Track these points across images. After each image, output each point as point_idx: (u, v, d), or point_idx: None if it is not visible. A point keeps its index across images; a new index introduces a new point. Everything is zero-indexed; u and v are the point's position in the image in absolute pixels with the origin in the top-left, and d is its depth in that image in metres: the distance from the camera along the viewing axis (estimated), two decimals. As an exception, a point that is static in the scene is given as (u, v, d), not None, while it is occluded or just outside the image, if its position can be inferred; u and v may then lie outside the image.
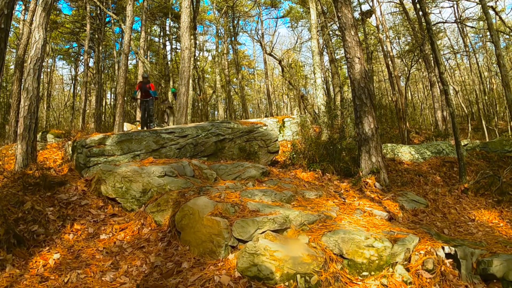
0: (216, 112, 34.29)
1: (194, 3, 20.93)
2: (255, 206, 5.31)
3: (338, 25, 10.02)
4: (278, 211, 5.12)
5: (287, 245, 4.40)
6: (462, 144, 12.52)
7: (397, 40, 31.82)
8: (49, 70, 32.32)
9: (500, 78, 13.45)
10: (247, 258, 4.23)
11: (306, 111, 18.58)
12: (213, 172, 7.27)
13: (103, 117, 29.42)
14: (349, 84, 9.53)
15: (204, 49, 37.15)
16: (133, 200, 6.27)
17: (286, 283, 4.03)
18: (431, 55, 18.58)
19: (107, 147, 7.90)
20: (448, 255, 4.56)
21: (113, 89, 33.57)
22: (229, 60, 33.71)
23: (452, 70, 34.41)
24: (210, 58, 37.23)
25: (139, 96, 14.08)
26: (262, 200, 5.76)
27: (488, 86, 29.36)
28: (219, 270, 4.32)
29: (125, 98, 13.68)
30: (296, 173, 8.68)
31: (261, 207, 5.29)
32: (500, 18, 22.08)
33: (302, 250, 4.34)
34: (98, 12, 27.82)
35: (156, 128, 11.84)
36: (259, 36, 33.01)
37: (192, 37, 17.89)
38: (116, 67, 26.67)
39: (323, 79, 19.38)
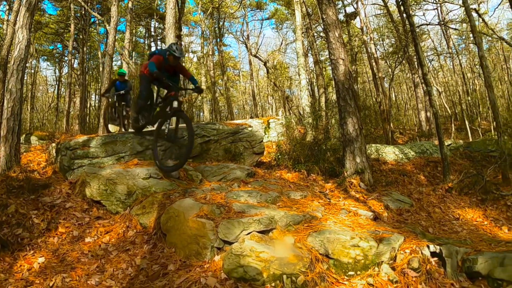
0: (201, 114, 34.22)
1: (179, 4, 20.87)
2: (241, 207, 5.31)
3: (322, 26, 10.05)
4: (263, 212, 5.12)
5: (273, 246, 4.42)
6: (446, 144, 12.61)
7: (381, 42, 32.09)
8: (33, 71, 32.07)
9: (483, 79, 13.60)
10: (233, 259, 4.23)
11: (291, 112, 18.64)
12: (198, 174, 7.25)
13: (87, 119, 29.18)
14: (334, 85, 9.57)
15: (190, 51, 37.06)
16: (118, 202, 6.23)
17: (273, 284, 4.03)
18: (415, 57, 18.76)
19: (91, 149, 7.83)
20: (433, 254, 4.60)
21: (97, 91, 33.27)
22: (214, 61, 33.67)
23: (435, 72, 34.73)
24: (195, 59, 37.14)
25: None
26: (247, 201, 5.76)
27: (471, 87, 29.66)
28: (205, 272, 4.32)
29: (110, 100, 13.35)
30: (281, 174, 8.70)
31: (246, 208, 5.29)
32: (483, 20, 22.28)
33: (288, 251, 4.35)
34: (83, 12, 27.63)
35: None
36: (244, 38, 33.07)
37: (177, 38, 17.81)
38: (101, 68, 26.51)
39: (307, 80, 19.44)
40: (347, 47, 25.17)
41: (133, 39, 30.49)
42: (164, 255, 4.83)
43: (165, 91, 8.10)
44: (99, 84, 28.81)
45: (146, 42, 35.79)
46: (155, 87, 8.48)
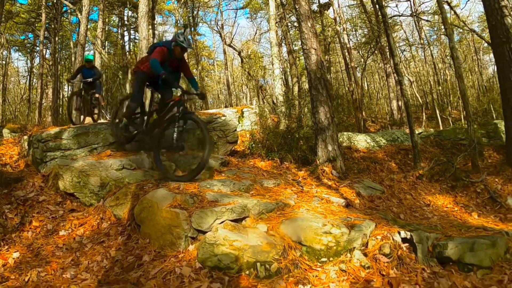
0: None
1: (153, -7, 20.66)
2: (214, 197, 5.32)
3: (295, 16, 10.08)
4: (236, 201, 5.14)
5: (246, 234, 4.46)
6: (417, 132, 12.78)
7: (354, 33, 32.33)
8: (4, 62, 31.36)
9: (454, 69, 13.82)
10: (207, 248, 4.25)
11: (264, 101, 18.68)
12: (172, 164, 7.22)
13: (60, 110, 28.76)
14: (306, 75, 9.62)
15: (164, 40, 36.71)
16: (91, 194, 6.19)
17: (247, 272, 4.07)
18: (387, 47, 18.94)
19: (63, 141, 7.73)
20: (404, 240, 4.70)
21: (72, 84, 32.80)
22: (188, 51, 33.39)
23: (407, 62, 35.30)
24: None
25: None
26: (220, 190, 5.78)
27: (442, 77, 30.19)
28: (180, 261, 4.33)
29: (76, 87, 13.08)
30: (254, 163, 8.73)
31: (219, 197, 5.31)
32: (455, 12, 22.65)
33: (261, 239, 4.40)
34: (55, 1, 27.03)
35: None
36: (219, 27, 32.91)
37: (150, 27, 17.64)
38: (73, 59, 26.06)
39: (281, 69, 19.50)
40: (321, 37, 25.30)
41: (106, 28, 30.08)
42: (139, 246, 4.82)
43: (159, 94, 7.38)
44: (71, 75, 28.40)
45: (119, 31, 35.31)
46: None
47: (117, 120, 7.86)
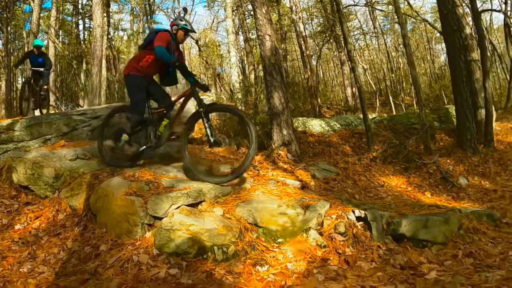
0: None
1: (108, -21, 20.27)
2: (170, 182, 5.31)
3: (251, 3, 10.08)
4: (192, 186, 5.15)
5: (202, 218, 4.46)
6: (371, 117, 13.03)
7: (310, 22, 32.60)
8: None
9: (406, 57, 14.14)
10: (164, 234, 4.25)
11: (222, 89, 18.64)
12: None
13: (14, 103, 27.96)
14: (261, 61, 9.67)
15: (120, 28, 36.03)
16: (46, 186, 6.06)
17: (205, 256, 4.11)
18: (342, 36, 19.24)
19: (16, 133, 7.55)
20: (358, 218, 4.82)
21: (24, 73, 31.90)
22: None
23: (361, 50, 35.86)
24: (126, 37, 36.22)
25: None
26: (176, 176, 5.76)
27: (395, 65, 30.86)
28: (137, 249, 4.31)
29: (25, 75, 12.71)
30: (212, 149, 8.71)
31: (175, 183, 5.30)
32: (408, 3, 23.19)
33: (218, 222, 4.42)
34: (6, -11, 26.24)
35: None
36: (175, 15, 32.48)
37: (105, 14, 17.33)
38: (26, 49, 25.34)
39: (238, 58, 19.52)
40: (277, 26, 25.39)
41: (60, 17, 29.28)
42: (96, 236, 4.77)
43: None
44: (25, 66, 27.61)
45: (73, 20, 34.37)
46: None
47: (107, 141, 6.75)
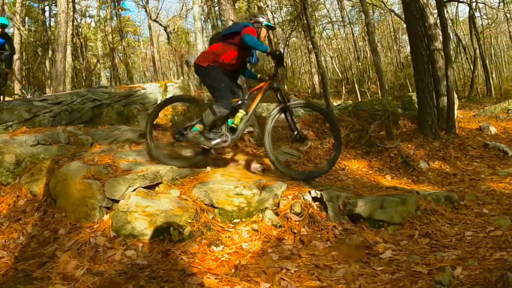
0: (101, 82, 33.00)
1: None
2: (128, 166, 5.30)
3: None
4: (149, 168, 5.17)
5: (158, 200, 4.49)
6: (336, 104, 13.23)
7: (279, 10, 32.70)
8: None
9: (369, 44, 14.34)
10: (121, 216, 4.26)
11: (190, 76, 18.55)
12: (88, 138, 7.06)
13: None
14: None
15: (87, 15, 35.41)
16: (7, 173, 5.97)
17: (161, 237, 4.14)
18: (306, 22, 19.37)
19: (-25, 120, 7.49)
20: (315, 199, 4.90)
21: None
22: (113, 26, 32.52)
23: (329, 39, 36.09)
24: (93, 25, 35.66)
25: None
26: (135, 160, 5.72)
27: (362, 54, 31.17)
28: (95, 232, 4.33)
29: None
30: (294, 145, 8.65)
31: (133, 166, 5.29)
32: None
33: (173, 203, 4.45)
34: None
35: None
36: (144, 2, 32.05)
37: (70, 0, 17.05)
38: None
39: (206, 44, 19.41)
40: (246, 14, 25.35)
41: (26, 3, 28.59)
42: (55, 220, 4.75)
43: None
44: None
45: (40, 6, 33.58)
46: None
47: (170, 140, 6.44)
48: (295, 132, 5.74)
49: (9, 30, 11.69)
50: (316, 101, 15.20)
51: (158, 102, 10.19)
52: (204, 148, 5.88)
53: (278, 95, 5.77)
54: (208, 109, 5.74)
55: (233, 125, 5.81)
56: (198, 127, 5.83)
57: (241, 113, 5.77)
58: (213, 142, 5.74)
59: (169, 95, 12.74)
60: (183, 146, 6.54)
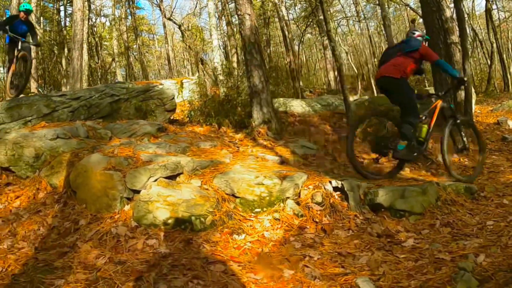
0: (116, 80, 33.18)
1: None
2: (148, 157, 5.32)
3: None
4: (170, 159, 5.17)
5: (179, 190, 4.50)
6: (352, 99, 13.15)
7: (293, 7, 32.60)
8: None
9: (386, 37, 14.28)
10: (142, 206, 4.29)
11: (205, 73, 18.65)
12: (107, 132, 7.10)
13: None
14: (241, 40, 9.70)
15: (101, 14, 35.60)
16: (27, 166, 6.02)
17: (182, 226, 4.16)
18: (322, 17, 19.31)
19: (-5, 115, 7.55)
20: (335, 188, 4.90)
21: (5, 63, 31.34)
22: (128, 25, 32.68)
23: (344, 35, 35.92)
24: (108, 24, 35.84)
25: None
26: (156, 152, 5.76)
27: (377, 49, 30.95)
28: (116, 222, 4.34)
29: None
30: (193, 128, 8.72)
31: (154, 157, 5.30)
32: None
33: (195, 193, 4.46)
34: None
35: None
36: (158, 1, 32.16)
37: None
38: (6, 36, 24.87)
39: (221, 41, 19.54)
40: (260, 11, 25.35)
41: (41, 4, 28.81)
42: (75, 211, 4.77)
43: None
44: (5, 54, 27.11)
45: (55, 6, 33.80)
46: None
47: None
48: (461, 145, 6.39)
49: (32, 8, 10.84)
50: (331, 96, 15.06)
51: (177, 99, 10.26)
52: (402, 161, 6.20)
53: (450, 112, 6.21)
54: (407, 123, 5.94)
55: (420, 138, 6.07)
56: (403, 143, 5.96)
57: (425, 127, 6.09)
58: (414, 155, 6.08)
59: (185, 92, 12.82)
60: (201, 140, 6.58)
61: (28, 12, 9.41)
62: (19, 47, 9.21)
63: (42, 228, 4.56)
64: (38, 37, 10.67)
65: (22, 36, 9.36)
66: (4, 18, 9.98)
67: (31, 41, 9.60)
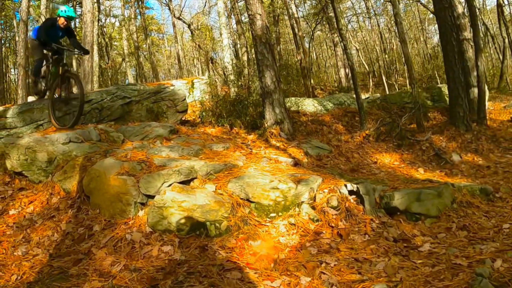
0: (127, 80, 33.28)
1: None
2: (162, 161, 5.30)
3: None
4: (183, 163, 5.15)
5: (194, 195, 4.47)
6: (364, 97, 13.12)
7: (303, 4, 32.49)
8: None
9: (397, 34, 14.19)
10: (156, 212, 4.27)
11: (215, 73, 18.63)
12: (120, 134, 7.10)
13: (7, 95, 27.74)
14: (252, 40, 9.67)
15: (111, 15, 35.71)
16: (39, 171, 6.02)
17: (197, 232, 4.13)
18: (333, 15, 19.23)
19: (8, 120, 7.54)
20: (351, 192, 4.88)
21: (16, 64, 31.50)
22: (137, 25, 32.76)
23: (354, 32, 35.82)
24: (117, 24, 35.96)
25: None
26: (169, 155, 5.75)
27: (388, 46, 30.83)
28: (130, 228, 4.34)
29: (27, 69, 12.27)
30: (204, 130, 8.70)
31: (167, 162, 5.29)
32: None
33: (209, 198, 4.43)
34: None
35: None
36: (167, 0, 32.18)
37: (95, 0, 17.17)
38: (17, 38, 24.97)
39: (231, 40, 19.49)
40: (269, 8, 25.28)
41: (51, 6, 28.96)
42: (89, 217, 4.78)
43: None
44: (17, 57, 27.24)
45: (64, 7, 33.89)
46: None
47: None
48: None
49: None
50: (343, 94, 15.02)
51: (188, 99, 10.25)
52: None
53: None
54: None
55: None
56: None
57: None
58: None
59: (196, 92, 12.80)
60: (213, 142, 6.55)
61: (69, 19, 8.15)
62: (63, 61, 7.72)
63: (56, 234, 4.56)
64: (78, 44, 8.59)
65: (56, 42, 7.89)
66: (41, 26, 8.01)
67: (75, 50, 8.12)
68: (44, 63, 8.18)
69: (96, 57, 16.67)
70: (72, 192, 5.41)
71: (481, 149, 8.84)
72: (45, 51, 8.06)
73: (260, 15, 8.74)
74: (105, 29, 31.96)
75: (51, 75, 7.95)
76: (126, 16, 30.23)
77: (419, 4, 28.84)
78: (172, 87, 9.73)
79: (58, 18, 8.00)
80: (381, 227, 4.37)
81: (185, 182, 4.89)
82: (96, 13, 19.76)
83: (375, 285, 3.16)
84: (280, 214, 4.56)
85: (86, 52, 8.35)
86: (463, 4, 12.22)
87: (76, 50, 8.04)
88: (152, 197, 4.63)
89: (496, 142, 9.21)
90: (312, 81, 20.85)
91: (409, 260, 3.64)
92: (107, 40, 31.16)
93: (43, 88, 8.25)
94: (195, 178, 4.99)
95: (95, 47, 16.76)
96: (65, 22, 7.99)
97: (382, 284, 3.17)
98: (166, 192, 4.52)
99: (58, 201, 5.37)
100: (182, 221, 4.15)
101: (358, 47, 29.16)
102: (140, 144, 6.47)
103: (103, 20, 30.81)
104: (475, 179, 6.99)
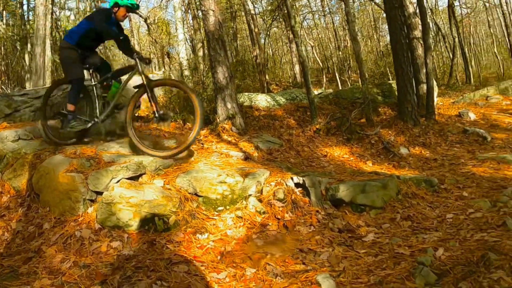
0: (82, 75, 32.47)
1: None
2: (111, 158, 5.28)
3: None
4: (132, 159, 5.15)
5: (142, 190, 4.49)
6: (317, 92, 13.33)
7: (260, 1, 32.65)
8: None
9: (349, 32, 14.47)
10: (105, 208, 4.27)
11: (171, 67, 18.49)
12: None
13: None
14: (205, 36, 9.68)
15: (66, 8, 34.82)
16: (-11, 170, 5.96)
17: (146, 227, 4.17)
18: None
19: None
20: (297, 185, 5.00)
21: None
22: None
23: (310, 29, 36.17)
24: (73, 17, 35.12)
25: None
26: (118, 152, 5.72)
27: (342, 43, 31.33)
28: (80, 225, 4.32)
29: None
30: (157, 125, 8.66)
31: (116, 158, 5.27)
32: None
33: (157, 193, 4.47)
34: None
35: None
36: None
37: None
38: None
39: (187, 35, 19.37)
40: (227, 5, 25.26)
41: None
42: (39, 215, 4.72)
43: None
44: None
45: (17, 0, 32.95)
46: None
47: None
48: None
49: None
50: (296, 89, 15.18)
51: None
52: None
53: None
54: None
55: None
56: None
57: None
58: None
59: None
60: (165, 137, 6.55)
61: (134, 9, 6.24)
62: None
63: (6, 233, 4.52)
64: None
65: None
66: (98, 15, 5.89)
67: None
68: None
69: (48, 52, 16.24)
70: (22, 190, 5.33)
71: (428, 143, 9.12)
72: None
73: (213, 11, 8.75)
74: (59, 22, 31.18)
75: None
76: (82, 9, 29.58)
77: (373, 3, 29.34)
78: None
79: (115, 9, 6.00)
80: (326, 219, 4.49)
81: (134, 178, 4.90)
82: (50, 6, 19.26)
83: (318, 275, 3.24)
84: (227, 207, 4.63)
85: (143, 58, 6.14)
86: (414, 5, 12.58)
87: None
88: (101, 193, 4.62)
89: (444, 136, 9.51)
90: (267, 76, 20.99)
91: (353, 250, 3.77)
92: (61, 33, 30.41)
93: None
94: (144, 173, 5.00)
95: (48, 41, 16.33)
96: (127, 14, 6.12)
97: (325, 274, 3.27)
98: (114, 188, 4.52)
99: (8, 200, 5.29)
100: (131, 216, 4.17)
101: (313, 44, 29.49)
102: (89, 140, 6.42)
103: (57, 13, 30.08)
104: (422, 171, 7.21)
